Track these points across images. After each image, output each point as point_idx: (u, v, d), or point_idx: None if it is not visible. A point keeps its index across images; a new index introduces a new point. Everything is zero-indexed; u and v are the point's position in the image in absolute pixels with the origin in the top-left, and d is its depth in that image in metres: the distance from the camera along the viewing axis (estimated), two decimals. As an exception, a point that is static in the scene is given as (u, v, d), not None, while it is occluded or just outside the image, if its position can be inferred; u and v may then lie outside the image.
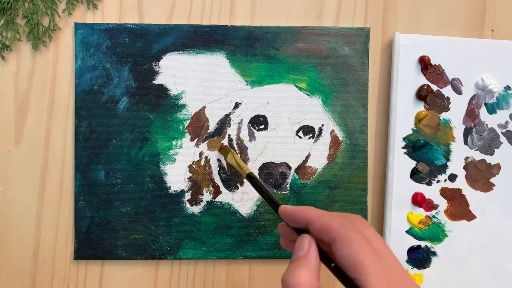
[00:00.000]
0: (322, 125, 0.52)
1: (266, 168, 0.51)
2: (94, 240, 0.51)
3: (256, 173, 0.51)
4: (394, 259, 0.31)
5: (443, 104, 0.52)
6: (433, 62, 0.52)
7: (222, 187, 0.52)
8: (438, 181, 0.52)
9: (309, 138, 0.52)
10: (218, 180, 0.52)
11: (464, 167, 0.53)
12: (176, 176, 0.51)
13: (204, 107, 0.52)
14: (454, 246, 0.52)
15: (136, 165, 0.51)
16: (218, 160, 0.52)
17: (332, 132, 0.52)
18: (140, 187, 0.51)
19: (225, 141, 0.52)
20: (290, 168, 0.52)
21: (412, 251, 0.52)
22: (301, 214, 0.34)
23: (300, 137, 0.52)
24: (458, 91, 0.53)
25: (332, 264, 0.31)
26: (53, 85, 0.51)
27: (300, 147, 0.52)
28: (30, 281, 0.51)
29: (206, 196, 0.51)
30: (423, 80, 0.52)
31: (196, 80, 0.51)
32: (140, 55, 0.51)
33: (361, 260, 0.28)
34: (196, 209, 0.51)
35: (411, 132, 0.52)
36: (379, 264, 0.29)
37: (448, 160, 0.52)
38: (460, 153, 0.53)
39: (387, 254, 0.30)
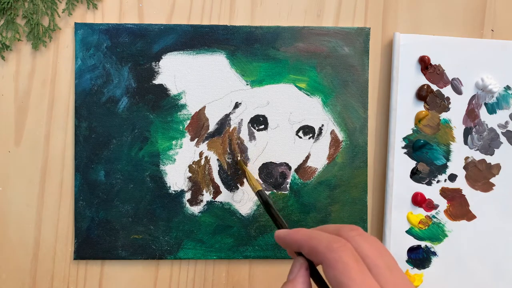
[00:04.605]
0: (322, 125, 0.52)
1: (266, 168, 0.51)
2: (94, 240, 0.51)
3: (256, 173, 0.51)
4: (393, 273, 0.29)
5: (443, 104, 0.52)
6: (433, 62, 0.52)
7: (222, 187, 0.52)
8: (438, 181, 0.52)
9: (309, 138, 0.52)
10: (218, 180, 0.52)
11: (464, 167, 0.53)
12: (176, 176, 0.51)
13: (204, 107, 0.52)
14: (454, 246, 0.52)
15: (136, 165, 0.51)
16: (218, 160, 0.52)
17: (332, 132, 0.52)
18: (140, 187, 0.51)
19: (225, 141, 0.52)
20: (290, 168, 0.52)
21: (412, 251, 0.52)
22: (291, 239, 0.33)
23: (300, 137, 0.52)
24: (458, 91, 0.53)
25: None
26: (53, 85, 0.51)
27: (300, 147, 0.52)
28: (30, 281, 0.51)
29: (206, 196, 0.51)
30: (423, 80, 0.52)
31: (196, 80, 0.51)
32: (140, 55, 0.51)
33: (346, 283, 0.27)
34: (196, 209, 0.51)
35: (411, 132, 0.52)
36: (367, 285, 0.27)
37: (448, 160, 0.52)
38: (460, 153, 0.53)
39: (382, 270, 0.28)
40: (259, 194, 0.45)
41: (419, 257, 0.52)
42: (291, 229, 0.34)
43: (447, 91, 0.52)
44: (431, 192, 0.52)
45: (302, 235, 0.32)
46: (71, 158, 0.51)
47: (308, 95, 0.52)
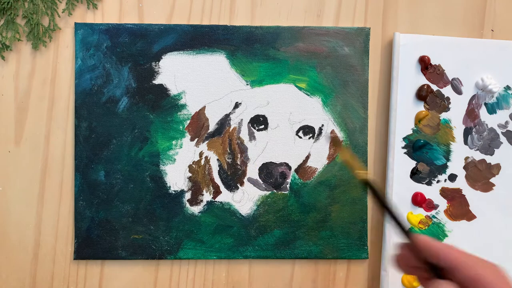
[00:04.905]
0: (322, 125, 0.52)
1: (266, 168, 0.51)
2: (94, 240, 0.51)
3: (256, 173, 0.51)
4: None
5: (443, 104, 0.52)
6: (433, 62, 0.52)
7: (222, 187, 0.52)
8: (438, 181, 0.52)
9: (309, 138, 0.52)
10: (218, 180, 0.52)
11: (464, 167, 0.53)
12: (176, 176, 0.51)
13: (204, 107, 0.52)
14: (454, 246, 0.52)
15: (136, 165, 0.51)
16: (218, 160, 0.52)
17: (332, 132, 0.52)
18: (140, 187, 0.51)
19: (225, 141, 0.52)
20: (290, 168, 0.52)
21: (412, 251, 0.52)
22: (447, 255, 0.30)
23: (300, 137, 0.52)
24: (458, 91, 0.53)
25: None
26: (53, 85, 0.51)
27: (300, 147, 0.52)
28: (30, 281, 0.51)
29: (206, 196, 0.51)
30: (423, 80, 0.52)
31: (196, 80, 0.51)
32: (140, 55, 0.51)
33: None
34: (196, 209, 0.51)
35: (411, 132, 0.52)
36: None
37: (448, 160, 0.52)
38: (460, 153, 0.53)
39: None
40: (368, 184, 0.36)
41: (419, 257, 0.52)
42: (442, 243, 0.31)
43: (447, 91, 0.52)
44: (431, 192, 0.52)
45: (462, 256, 0.29)
46: (71, 158, 0.51)
47: (308, 95, 0.52)
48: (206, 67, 0.51)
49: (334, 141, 0.49)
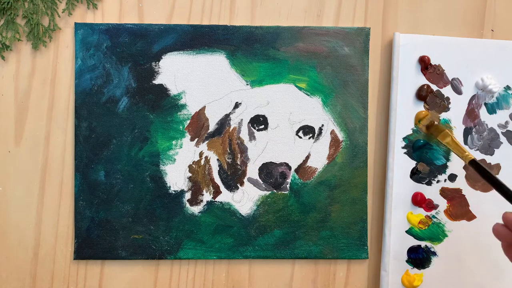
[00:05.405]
0: (322, 125, 0.52)
1: (266, 168, 0.51)
2: (94, 240, 0.51)
3: (256, 173, 0.51)
4: None
5: (443, 104, 0.52)
6: (433, 62, 0.52)
7: (222, 187, 0.52)
8: (438, 181, 0.52)
9: (309, 138, 0.52)
10: (218, 180, 0.52)
11: (464, 167, 0.53)
12: (176, 176, 0.51)
13: (204, 107, 0.52)
14: (454, 246, 0.52)
15: (136, 165, 0.51)
16: (218, 160, 0.52)
17: (332, 132, 0.52)
18: (140, 187, 0.51)
19: (225, 141, 0.52)
20: (290, 168, 0.52)
21: (412, 251, 0.52)
22: None
23: (300, 137, 0.52)
24: (458, 91, 0.53)
25: None
26: (53, 85, 0.51)
27: (300, 147, 0.52)
28: (30, 281, 0.51)
29: (206, 196, 0.51)
30: (423, 80, 0.52)
31: (196, 80, 0.51)
32: (140, 55, 0.51)
33: None
34: (196, 209, 0.51)
35: (411, 132, 0.52)
36: None
37: (448, 160, 0.52)
38: (460, 153, 0.53)
39: None
40: (474, 164, 0.43)
41: (419, 257, 0.52)
42: None
43: (447, 91, 0.52)
44: (431, 192, 0.52)
45: None
46: (71, 158, 0.51)
47: (308, 95, 0.52)
48: (206, 67, 0.51)
49: (436, 127, 0.51)
